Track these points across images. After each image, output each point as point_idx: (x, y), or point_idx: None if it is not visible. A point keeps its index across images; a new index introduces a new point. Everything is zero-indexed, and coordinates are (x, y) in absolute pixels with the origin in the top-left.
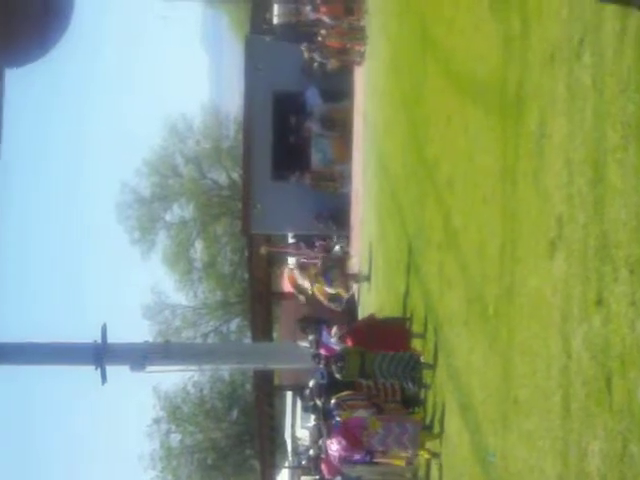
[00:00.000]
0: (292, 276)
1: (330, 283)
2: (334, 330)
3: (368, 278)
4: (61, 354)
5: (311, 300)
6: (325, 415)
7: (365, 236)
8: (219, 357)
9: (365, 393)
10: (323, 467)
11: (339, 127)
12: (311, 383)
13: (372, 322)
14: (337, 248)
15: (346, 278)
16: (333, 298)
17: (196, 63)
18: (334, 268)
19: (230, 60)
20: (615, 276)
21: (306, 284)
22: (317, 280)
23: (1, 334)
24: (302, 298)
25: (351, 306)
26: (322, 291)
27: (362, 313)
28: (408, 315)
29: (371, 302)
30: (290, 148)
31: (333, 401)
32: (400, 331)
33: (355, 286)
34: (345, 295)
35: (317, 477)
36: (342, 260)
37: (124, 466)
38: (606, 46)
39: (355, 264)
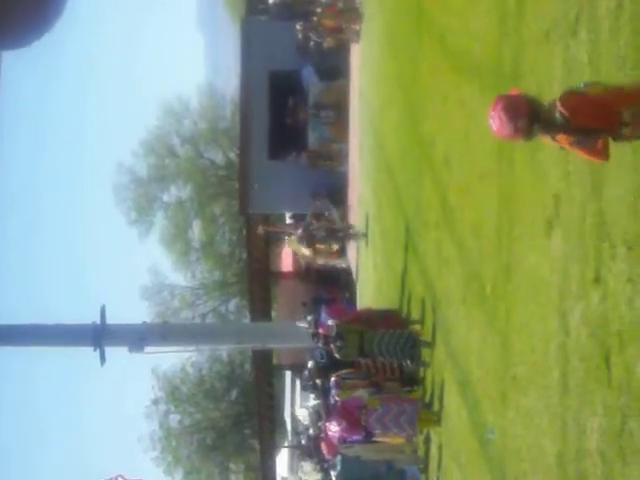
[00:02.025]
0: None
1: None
2: (331, 322)
3: (365, 235)
4: (60, 335)
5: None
6: (324, 393)
7: (362, 214)
8: (218, 337)
9: (364, 372)
10: (323, 447)
11: (335, 107)
12: (310, 363)
13: (370, 311)
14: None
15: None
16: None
17: (192, 43)
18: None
19: (226, 40)
20: (612, 253)
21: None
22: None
23: (1, 316)
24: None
25: (349, 281)
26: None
27: (360, 291)
28: (405, 300)
29: (369, 280)
30: (287, 127)
31: (332, 379)
32: (397, 316)
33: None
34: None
35: (316, 460)
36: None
37: (124, 447)
38: (602, 23)
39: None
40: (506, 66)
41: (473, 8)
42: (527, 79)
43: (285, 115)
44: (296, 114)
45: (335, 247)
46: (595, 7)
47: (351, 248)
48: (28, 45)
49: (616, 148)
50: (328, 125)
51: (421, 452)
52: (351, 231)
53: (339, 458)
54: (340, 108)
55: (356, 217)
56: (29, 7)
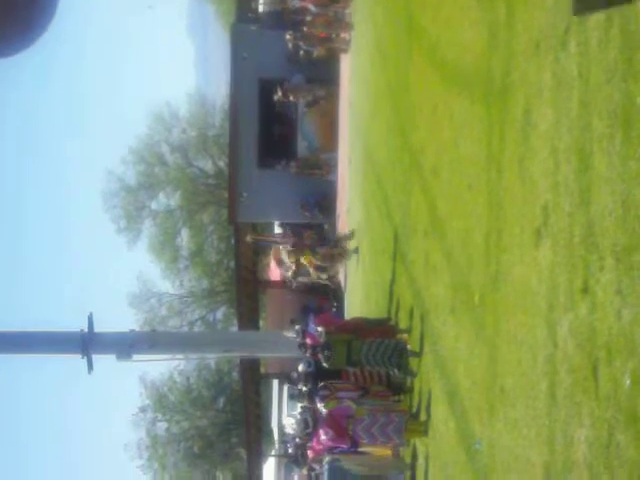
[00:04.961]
0: (276, 250)
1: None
2: (320, 329)
3: (356, 251)
4: (48, 343)
5: (297, 275)
6: (312, 398)
7: (351, 224)
8: (206, 346)
9: (352, 382)
10: (309, 455)
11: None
12: (300, 366)
13: (358, 321)
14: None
15: (334, 255)
16: (320, 268)
17: (182, 51)
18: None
19: (216, 48)
20: (601, 264)
21: (290, 260)
22: (305, 253)
23: None
24: (288, 273)
25: (337, 291)
26: (309, 260)
27: (348, 300)
28: (393, 309)
29: (357, 289)
30: (276, 136)
31: (321, 384)
32: (386, 325)
33: (343, 262)
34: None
35: (303, 468)
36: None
37: (111, 455)
38: (592, 35)
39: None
40: (496, 77)
41: (463, 19)
42: (516, 91)
43: (274, 122)
44: (285, 119)
45: (324, 276)
46: (584, 19)
47: (342, 269)
48: (18, 53)
49: (606, 158)
50: (317, 132)
51: (407, 463)
52: (345, 249)
53: (326, 467)
54: (329, 116)
55: (344, 226)
56: (19, 15)
